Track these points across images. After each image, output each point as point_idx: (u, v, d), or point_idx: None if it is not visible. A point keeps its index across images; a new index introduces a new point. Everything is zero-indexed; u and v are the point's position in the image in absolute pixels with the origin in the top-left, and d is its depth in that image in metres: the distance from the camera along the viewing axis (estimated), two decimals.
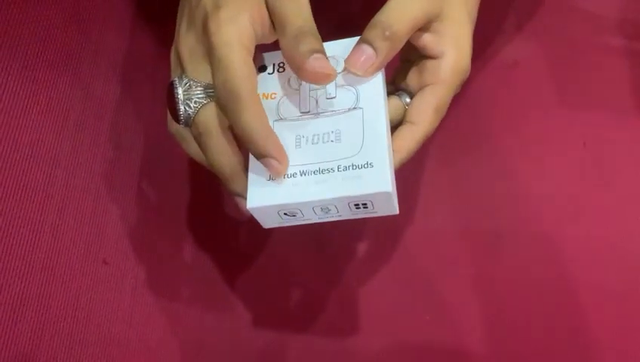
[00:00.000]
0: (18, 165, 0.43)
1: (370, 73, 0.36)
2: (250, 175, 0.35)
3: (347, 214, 0.35)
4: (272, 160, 0.34)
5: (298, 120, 0.36)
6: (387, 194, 0.33)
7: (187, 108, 0.36)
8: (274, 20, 0.35)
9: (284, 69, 0.38)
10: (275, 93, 0.37)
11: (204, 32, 0.35)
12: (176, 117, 0.36)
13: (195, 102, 0.36)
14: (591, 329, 0.44)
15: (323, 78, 0.34)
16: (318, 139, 0.35)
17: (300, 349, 0.46)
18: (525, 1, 0.54)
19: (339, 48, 0.37)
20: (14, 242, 0.42)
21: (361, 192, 0.33)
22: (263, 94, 0.37)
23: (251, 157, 0.36)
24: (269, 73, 0.38)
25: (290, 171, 0.35)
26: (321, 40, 0.35)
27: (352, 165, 0.34)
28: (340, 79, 0.37)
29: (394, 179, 0.35)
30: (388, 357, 0.46)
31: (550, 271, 0.46)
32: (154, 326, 0.46)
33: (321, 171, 0.34)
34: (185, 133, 0.38)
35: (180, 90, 0.36)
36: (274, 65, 0.38)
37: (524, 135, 0.50)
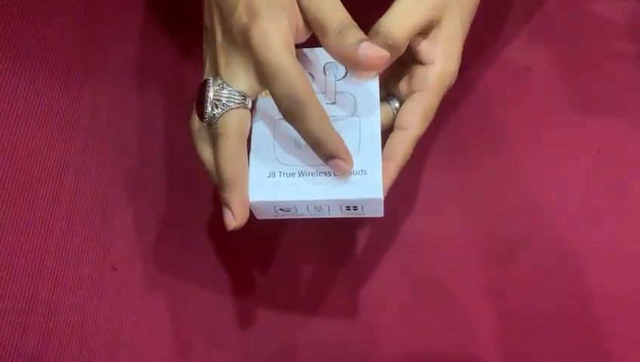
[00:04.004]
0: (28, 171, 0.44)
1: (370, 77, 0.38)
2: (252, 171, 0.38)
3: (337, 214, 0.38)
4: (339, 161, 0.35)
5: None
6: (378, 200, 0.36)
7: (214, 109, 0.37)
8: (311, 21, 0.37)
9: None
10: None
11: (246, 43, 0.36)
12: (201, 114, 0.38)
13: (224, 105, 0.37)
14: (606, 337, 0.44)
15: (379, 61, 0.36)
16: None
17: (309, 355, 0.46)
18: (537, 7, 0.54)
19: None
20: (23, 248, 0.42)
21: (354, 197, 0.36)
22: (266, 93, 0.38)
23: (252, 153, 0.38)
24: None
25: (289, 170, 0.37)
26: (357, 27, 0.36)
27: None
28: (339, 85, 0.39)
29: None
30: None
31: (564, 278, 0.46)
32: (163, 332, 0.46)
33: (318, 173, 0.37)
34: (203, 134, 0.40)
35: (211, 90, 0.37)
36: None
37: (537, 141, 0.50)
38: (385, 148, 0.38)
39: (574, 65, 0.51)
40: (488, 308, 0.46)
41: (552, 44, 0.52)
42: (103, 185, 0.48)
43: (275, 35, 0.35)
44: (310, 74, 0.39)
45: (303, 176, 0.37)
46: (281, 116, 0.37)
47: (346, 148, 0.36)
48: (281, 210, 0.38)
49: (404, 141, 0.38)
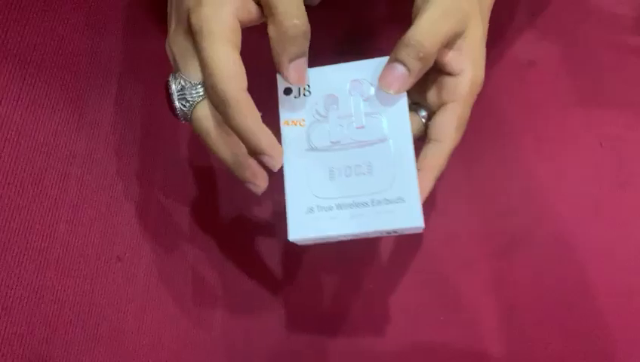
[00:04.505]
0: (34, 162, 0.44)
1: (400, 91, 0.36)
2: (289, 206, 0.37)
3: (377, 235, 0.37)
4: (265, 156, 0.35)
5: (329, 150, 0.37)
6: (419, 228, 0.35)
7: (182, 107, 0.36)
8: (265, 7, 0.35)
9: (310, 92, 0.38)
10: (303, 120, 0.38)
11: (189, 29, 0.35)
12: (174, 113, 0.37)
13: (189, 101, 0.36)
14: (608, 331, 0.44)
15: (294, 83, 0.36)
16: (351, 171, 0.37)
17: (315, 348, 0.46)
18: (542, 2, 0.54)
19: (365, 70, 0.38)
20: (30, 238, 0.42)
21: (394, 227, 0.35)
22: (292, 121, 0.38)
23: (287, 188, 0.37)
24: (295, 97, 0.38)
25: (326, 204, 0.37)
26: (309, 36, 0.35)
27: (385, 200, 0.36)
28: (367, 106, 0.37)
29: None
30: (404, 357, 0.45)
31: (566, 272, 0.46)
32: (166, 323, 0.46)
33: (355, 205, 0.36)
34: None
35: (174, 89, 0.36)
36: (299, 88, 0.38)
37: (541, 135, 0.49)
38: (420, 159, 0.38)
39: (578, 59, 0.51)
40: (491, 301, 0.46)
41: (555, 39, 0.52)
42: (109, 176, 0.48)
43: (213, 20, 0.33)
44: (334, 95, 0.38)
45: (340, 208, 0.36)
46: (309, 147, 0.37)
47: (273, 143, 0.35)
48: (322, 239, 0.38)
49: (440, 154, 0.38)
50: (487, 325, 0.45)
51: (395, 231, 0.36)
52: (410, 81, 0.36)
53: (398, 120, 0.37)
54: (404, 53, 0.35)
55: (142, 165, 0.50)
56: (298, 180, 0.37)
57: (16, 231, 0.42)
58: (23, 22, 0.47)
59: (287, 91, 0.38)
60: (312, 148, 0.37)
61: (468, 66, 0.37)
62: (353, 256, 0.48)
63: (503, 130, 0.50)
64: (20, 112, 0.44)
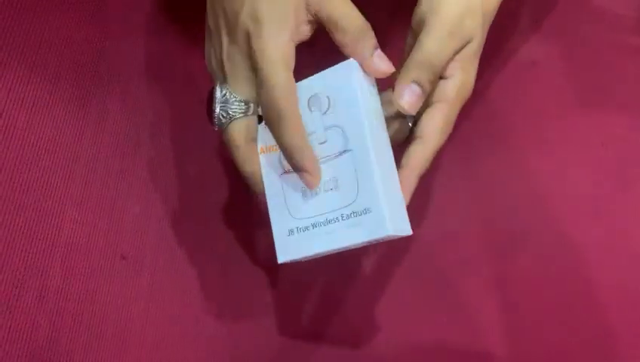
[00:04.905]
0: (39, 161, 0.44)
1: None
2: (274, 230, 0.39)
3: (365, 244, 0.37)
4: (306, 174, 0.37)
5: None
6: (388, 236, 0.35)
7: (222, 118, 0.39)
8: (325, 20, 0.37)
9: None
10: (275, 146, 0.38)
11: (248, 49, 0.37)
12: (211, 120, 0.39)
13: (229, 114, 0.39)
14: (609, 331, 0.44)
15: (383, 74, 0.37)
16: (320, 189, 0.38)
17: (316, 349, 0.47)
18: (543, 1, 0.53)
19: (319, 84, 0.38)
20: (35, 236, 0.43)
21: (365, 239, 0.36)
22: (267, 147, 0.39)
23: (270, 212, 0.39)
24: (265, 124, 0.39)
25: (303, 224, 0.38)
26: (371, 29, 0.37)
27: (353, 213, 0.36)
28: (325, 120, 0.38)
29: (398, 213, 0.37)
30: (404, 358, 0.46)
31: (568, 272, 0.46)
32: (170, 322, 0.47)
33: (328, 221, 0.37)
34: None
35: (218, 97, 0.39)
36: None
37: (543, 135, 0.49)
38: (404, 157, 0.39)
39: (580, 59, 0.51)
40: (492, 302, 0.46)
41: (557, 40, 0.52)
42: (113, 175, 0.48)
43: (273, 43, 0.36)
44: None
45: (316, 227, 0.37)
46: (283, 170, 0.38)
47: (315, 164, 0.37)
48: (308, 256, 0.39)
49: (424, 152, 0.39)
50: (487, 325, 0.45)
51: (376, 241, 0.36)
52: (423, 98, 0.38)
53: (355, 129, 0.37)
54: (418, 73, 0.37)
55: (146, 165, 0.50)
56: (278, 204, 0.38)
57: (21, 230, 0.42)
58: (27, 22, 0.48)
59: (259, 120, 0.40)
60: (286, 171, 0.38)
61: (458, 71, 0.39)
62: (352, 256, 0.48)
63: (504, 129, 0.50)
64: (25, 112, 0.45)
